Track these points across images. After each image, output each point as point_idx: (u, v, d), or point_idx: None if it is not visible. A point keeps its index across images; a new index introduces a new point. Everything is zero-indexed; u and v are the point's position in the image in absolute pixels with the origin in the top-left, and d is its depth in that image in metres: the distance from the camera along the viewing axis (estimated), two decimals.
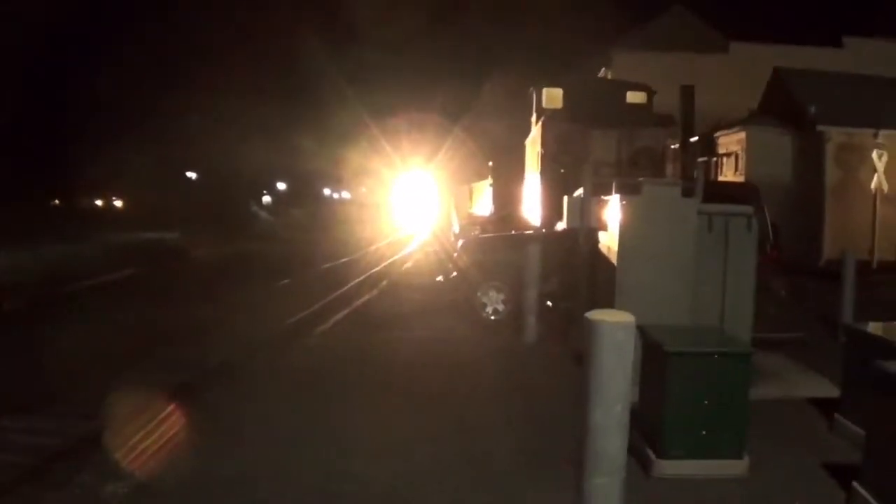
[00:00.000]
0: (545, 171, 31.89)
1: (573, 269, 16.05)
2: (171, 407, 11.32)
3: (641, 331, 7.96)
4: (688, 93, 31.70)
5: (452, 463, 9.06)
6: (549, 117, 33.49)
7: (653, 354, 8.92)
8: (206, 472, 8.72)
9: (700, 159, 28.91)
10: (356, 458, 9.19)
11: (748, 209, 12.27)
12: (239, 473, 8.67)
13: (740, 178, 35.71)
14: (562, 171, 28.80)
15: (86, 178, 64.72)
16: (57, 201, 75.09)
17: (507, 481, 8.50)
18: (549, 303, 17.53)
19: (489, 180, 55.70)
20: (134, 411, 11.27)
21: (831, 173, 34.65)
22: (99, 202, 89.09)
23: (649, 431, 8.78)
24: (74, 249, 39.16)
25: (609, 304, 10.90)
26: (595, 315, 6.07)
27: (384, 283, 28.25)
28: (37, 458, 10.28)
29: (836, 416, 10.24)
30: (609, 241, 12.85)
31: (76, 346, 15.92)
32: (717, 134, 40.60)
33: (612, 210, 12.56)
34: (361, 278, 29.52)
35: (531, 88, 39.07)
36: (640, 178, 13.44)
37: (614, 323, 5.95)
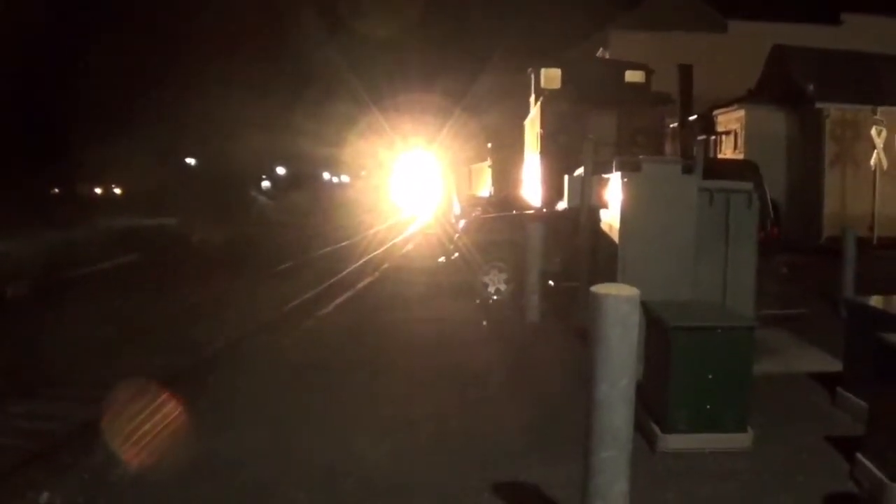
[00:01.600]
0: (545, 151, 31.93)
1: (575, 248, 16.06)
2: (173, 390, 11.36)
3: (644, 307, 7.98)
4: (686, 72, 31.74)
5: (458, 440, 9.09)
6: (547, 97, 33.52)
7: (656, 330, 8.95)
8: (210, 453, 8.72)
9: (699, 137, 28.89)
10: (360, 437, 9.20)
11: (748, 185, 12.28)
12: (242, 454, 8.67)
13: (739, 156, 35.69)
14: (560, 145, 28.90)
15: (85, 165, 64.70)
16: (56, 189, 75.02)
17: (513, 457, 8.51)
18: (550, 282, 17.57)
19: (488, 161, 55.70)
20: (136, 395, 11.33)
21: (830, 150, 34.64)
22: (98, 189, 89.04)
23: (654, 407, 8.82)
24: (74, 236, 39.19)
25: (611, 281, 10.92)
26: (599, 289, 6.09)
27: (385, 265, 28.26)
28: (41, 442, 10.36)
29: (838, 389, 10.27)
30: (610, 219, 12.88)
31: (78, 332, 16.03)
32: (715, 112, 40.56)
33: (613, 188, 12.59)
34: (362, 261, 29.60)
35: (530, 69, 39.08)
36: (640, 156, 13.48)
37: (619, 296, 5.97)
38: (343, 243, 37.85)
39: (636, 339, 6.05)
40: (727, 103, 39.76)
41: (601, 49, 54.47)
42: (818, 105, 34.43)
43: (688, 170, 12.34)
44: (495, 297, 18.86)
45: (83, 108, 55.62)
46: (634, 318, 6.00)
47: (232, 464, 8.42)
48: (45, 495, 8.06)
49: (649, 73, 35.84)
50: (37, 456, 9.84)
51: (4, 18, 44.35)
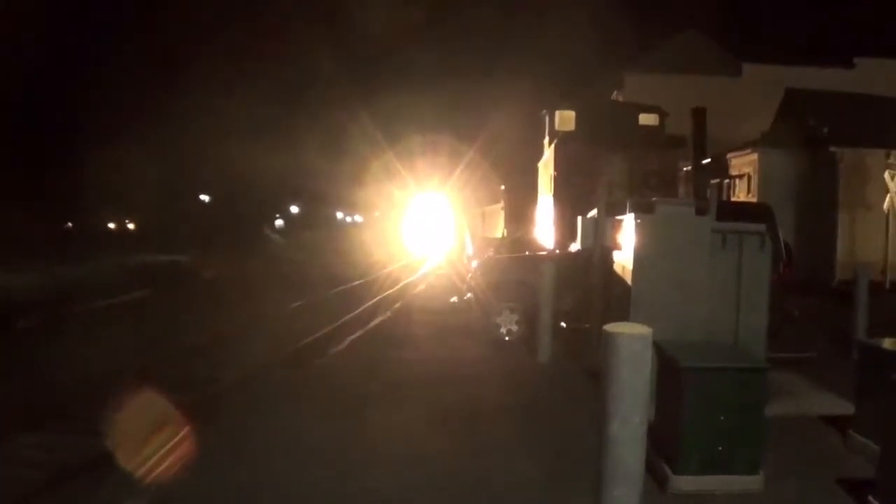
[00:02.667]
0: (558, 193, 31.99)
1: (587, 289, 16.08)
2: (186, 423, 11.36)
3: (657, 347, 7.99)
4: (700, 115, 31.77)
5: (469, 478, 9.09)
6: (561, 139, 33.63)
7: (668, 370, 8.96)
8: (223, 486, 8.76)
9: (713, 180, 28.94)
10: (371, 471, 9.22)
11: (761, 227, 12.28)
12: (255, 487, 8.71)
13: (753, 199, 35.71)
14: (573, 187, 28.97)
15: (98, 200, 64.94)
16: (69, 224, 75.27)
17: (525, 495, 8.53)
18: (563, 323, 17.57)
19: (501, 203, 55.73)
20: (150, 428, 11.33)
21: (843, 194, 34.65)
22: (112, 224, 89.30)
23: (665, 447, 8.81)
24: (88, 271, 39.26)
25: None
26: (612, 327, 6.13)
27: (398, 304, 28.26)
28: (52, 474, 10.36)
29: (850, 431, 10.26)
30: (623, 260, 12.89)
31: (90, 364, 16.03)
32: (729, 155, 40.64)
33: (627, 229, 12.61)
34: (375, 300, 29.55)
35: (544, 111, 39.21)
36: (654, 198, 13.50)
37: (632, 335, 6.01)
38: (356, 282, 37.83)
39: (648, 378, 6.08)
40: (741, 146, 39.84)
41: (615, 91, 54.64)
42: (831, 148, 34.48)
43: (701, 211, 12.35)
44: (507, 338, 18.84)
45: (97, 144, 55.82)
46: (647, 356, 6.03)
47: (242, 497, 8.44)
48: None
49: (663, 115, 35.93)
50: (47, 486, 9.84)
51: (11, 48, 44.62)
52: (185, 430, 10.98)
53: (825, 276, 33.47)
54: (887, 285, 31.75)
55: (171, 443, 10.65)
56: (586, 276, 16.00)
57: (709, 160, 36.78)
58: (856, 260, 31.32)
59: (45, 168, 57.13)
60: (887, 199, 32.49)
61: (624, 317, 11.41)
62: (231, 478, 9.03)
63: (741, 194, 38.92)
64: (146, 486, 8.95)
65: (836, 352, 16.75)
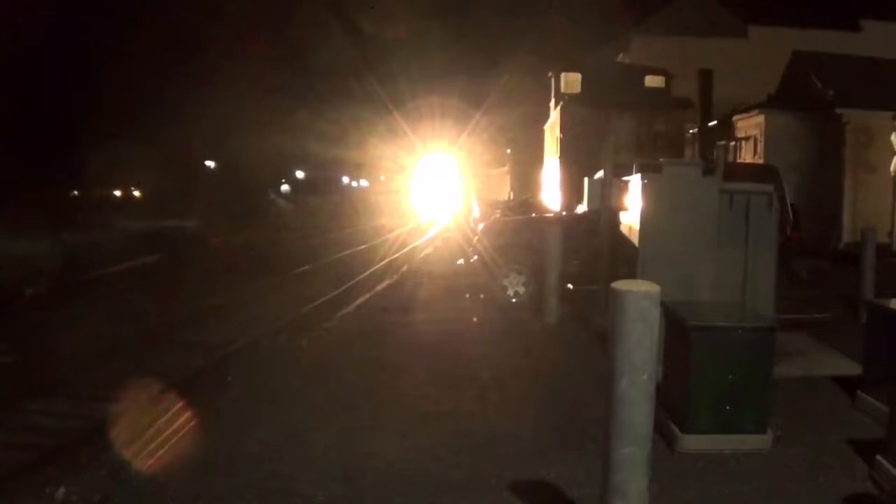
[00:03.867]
0: (564, 155, 31.99)
1: (594, 251, 16.08)
2: (190, 389, 11.39)
3: (664, 307, 7.96)
4: (706, 77, 31.77)
5: (477, 439, 9.08)
6: (567, 101, 33.62)
7: (676, 330, 8.94)
8: (228, 450, 8.73)
9: (719, 142, 28.91)
10: (379, 435, 9.21)
11: (769, 188, 12.25)
12: (261, 451, 8.69)
13: (759, 162, 35.63)
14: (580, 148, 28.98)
15: (104, 168, 64.83)
16: (76, 192, 75.12)
17: (533, 455, 8.52)
18: (569, 285, 17.56)
19: (507, 166, 55.72)
20: (153, 394, 11.37)
21: (850, 156, 34.57)
22: (117, 192, 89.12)
23: (673, 407, 8.81)
24: (94, 238, 39.20)
25: None
26: (620, 285, 6.10)
27: (404, 268, 28.26)
28: (59, 439, 10.39)
29: (859, 392, 10.24)
30: (630, 221, 12.88)
31: (95, 332, 16.08)
32: (735, 118, 40.52)
33: (633, 190, 12.59)
34: (382, 264, 29.61)
35: (550, 73, 39.22)
36: (661, 159, 13.47)
37: (639, 292, 5.98)
38: (362, 246, 37.88)
39: (657, 336, 6.06)
40: (747, 109, 39.72)
41: (621, 54, 54.45)
42: (838, 111, 34.33)
43: (708, 172, 12.33)
44: (514, 300, 18.83)
45: (101, 111, 55.64)
46: (655, 313, 6.01)
47: (249, 461, 8.43)
48: (61, 491, 8.08)
49: (669, 77, 35.93)
50: (54, 452, 9.87)
51: (16, 22, 44.47)
52: (188, 397, 11.01)
53: (833, 237, 33.43)
54: (894, 247, 31.69)
55: (175, 408, 10.67)
56: (593, 237, 16.00)
57: (715, 122, 36.75)
58: (863, 222, 31.26)
59: (49, 136, 56.99)
60: (894, 161, 32.41)
61: (631, 278, 11.38)
62: (235, 442, 9.02)
63: (747, 156, 38.80)
64: (150, 451, 8.96)
65: (845, 313, 16.72)
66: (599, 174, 16.57)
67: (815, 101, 35.75)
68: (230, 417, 10.13)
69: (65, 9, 54.46)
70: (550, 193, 35.80)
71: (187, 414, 10.29)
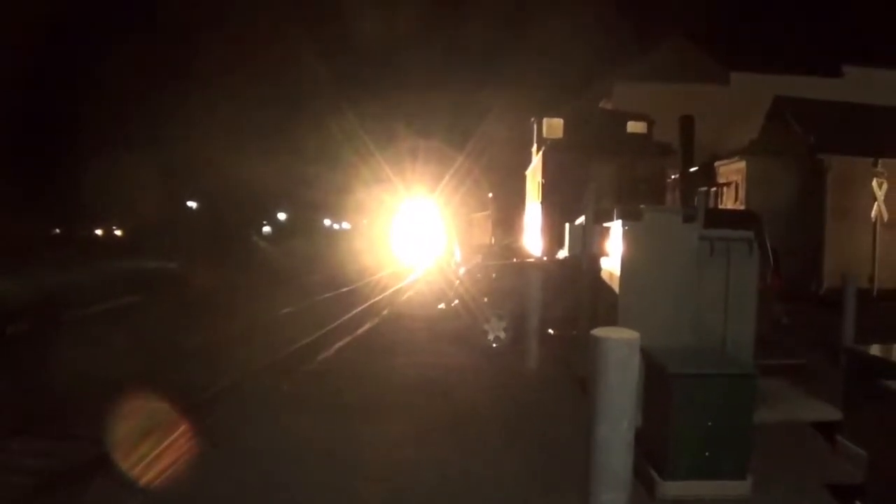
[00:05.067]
0: (546, 200, 32.04)
1: (575, 297, 16.10)
2: (170, 431, 11.36)
3: (644, 353, 7.98)
4: (688, 123, 31.82)
5: (457, 485, 9.09)
6: (549, 146, 33.69)
7: (656, 376, 8.97)
8: (211, 492, 8.75)
9: (701, 188, 28.99)
10: (359, 478, 9.22)
11: (749, 234, 12.30)
12: (241, 493, 8.72)
13: (741, 207, 35.76)
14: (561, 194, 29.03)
15: (86, 207, 64.78)
16: (58, 230, 75.09)
17: (513, 500, 8.53)
18: (550, 330, 17.58)
19: (490, 210, 55.75)
20: (136, 434, 11.33)
21: (831, 202, 34.71)
22: (99, 231, 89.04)
23: (653, 453, 8.83)
24: (75, 277, 39.09)
25: None
26: (600, 332, 6.15)
27: (385, 311, 28.28)
28: (41, 479, 10.36)
29: (838, 437, 10.28)
30: (611, 267, 12.90)
31: (77, 371, 15.99)
32: (717, 163, 40.72)
33: (614, 236, 12.62)
34: (363, 307, 29.57)
35: (532, 118, 39.25)
36: (642, 205, 13.52)
37: (619, 339, 6.03)
38: (344, 289, 37.85)
39: (636, 382, 6.09)
40: (729, 154, 39.91)
41: (604, 100, 54.70)
42: (819, 156, 34.50)
43: (689, 218, 12.36)
44: (495, 345, 18.86)
45: (83, 150, 55.72)
46: (634, 361, 6.05)
47: (232, 501, 8.44)
48: None
49: (651, 123, 36.01)
50: (37, 491, 9.85)
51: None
52: (171, 436, 10.99)
53: (814, 283, 33.53)
54: (875, 293, 31.77)
55: (158, 449, 10.65)
56: (574, 283, 16.02)
57: (696, 168, 36.86)
58: (843, 268, 31.36)
59: (32, 174, 57.01)
60: (875, 206, 32.54)
61: (611, 324, 11.37)
62: (217, 484, 9.02)
63: (729, 202, 39.00)
64: (135, 491, 8.94)
65: (825, 359, 16.75)
66: (581, 220, 16.63)
67: (796, 146, 35.91)
68: (208, 460, 10.11)
69: (51, 45, 54.53)
70: (532, 238, 35.84)
71: (165, 456, 10.28)
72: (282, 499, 8.66)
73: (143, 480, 9.32)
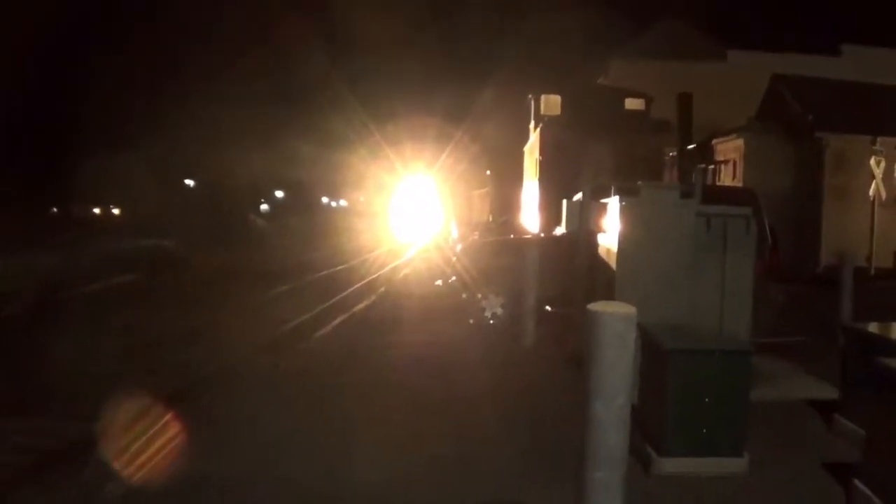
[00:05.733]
0: (543, 177, 32.02)
1: (572, 274, 16.04)
2: (167, 408, 11.31)
3: (641, 329, 7.93)
4: (685, 100, 31.71)
5: (452, 461, 9.05)
6: (547, 124, 33.69)
7: (652, 353, 8.92)
8: (203, 471, 8.69)
9: (698, 165, 28.90)
10: (353, 458, 9.16)
11: (746, 210, 12.24)
12: (235, 473, 8.66)
13: (738, 185, 35.70)
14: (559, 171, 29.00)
15: (83, 186, 64.65)
16: (55, 209, 74.97)
17: (507, 478, 8.50)
18: (547, 307, 17.52)
19: (487, 187, 55.71)
20: (131, 413, 11.27)
21: (829, 180, 34.65)
22: (97, 210, 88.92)
23: (649, 430, 8.78)
24: (72, 256, 39.03)
25: None
26: (596, 306, 6.08)
27: (382, 289, 28.27)
28: (33, 458, 10.30)
29: (835, 415, 10.24)
30: (608, 243, 12.86)
31: (72, 351, 15.95)
32: (714, 141, 40.61)
33: (611, 213, 12.57)
34: (360, 284, 29.57)
35: (530, 96, 39.28)
36: (639, 182, 13.46)
37: (616, 314, 5.96)
38: (341, 266, 37.85)
39: (632, 358, 6.02)
40: (726, 132, 39.81)
41: (601, 77, 54.58)
42: (817, 134, 34.44)
43: (686, 195, 12.30)
44: (492, 321, 18.81)
45: (80, 129, 55.61)
46: (631, 336, 5.98)
47: (223, 483, 8.39)
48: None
49: (649, 101, 36.02)
50: (29, 472, 9.79)
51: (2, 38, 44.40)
52: (166, 416, 10.93)
53: (811, 261, 33.49)
54: (872, 271, 31.75)
55: (154, 427, 10.60)
56: (571, 259, 15.96)
57: (694, 146, 36.79)
58: (841, 246, 31.30)
59: (28, 153, 56.92)
60: (873, 185, 32.56)
61: (608, 300, 11.35)
62: (210, 464, 8.97)
63: (727, 180, 38.89)
64: (125, 470, 8.88)
65: (822, 337, 16.71)
66: (578, 196, 16.56)
67: (794, 124, 35.87)
68: (206, 438, 10.06)
69: (50, 29, 54.32)
70: (529, 215, 35.83)
71: (163, 434, 10.23)
72: (273, 485, 8.61)
73: (138, 459, 9.27)
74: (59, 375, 14.23)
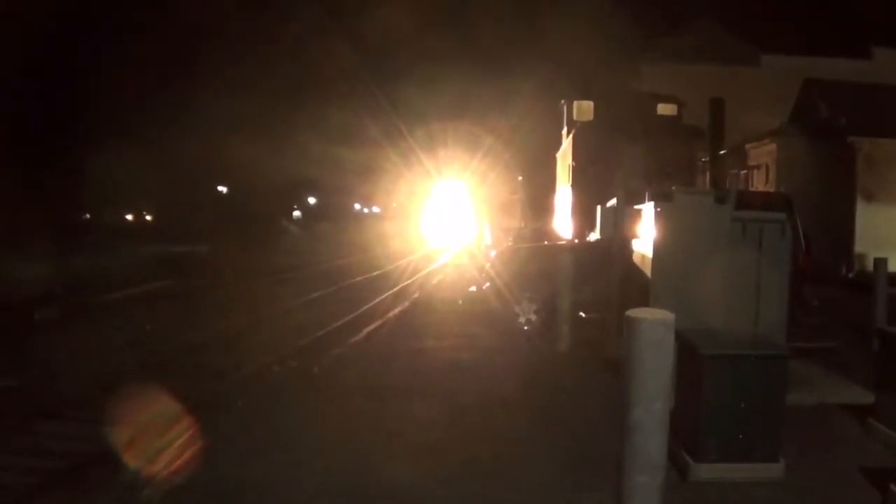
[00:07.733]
0: (576, 183, 32.00)
1: (606, 279, 16.07)
2: (201, 414, 11.37)
3: (677, 334, 7.98)
4: (718, 105, 31.69)
5: (488, 466, 9.10)
6: (580, 129, 33.62)
7: (688, 357, 8.94)
8: (240, 475, 8.77)
9: (732, 170, 28.89)
10: (390, 462, 9.22)
11: (781, 216, 12.26)
12: (272, 477, 8.73)
13: (771, 190, 35.62)
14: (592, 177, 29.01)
15: (116, 192, 64.95)
16: (87, 215, 75.19)
17: (544, 484, 8.53)
18: (581, 313, 17.55)
19: (520, 193, 55.71)
20: (166, 418, 11.35)
21: (862, 184, 34.50)
22: (129, 216, 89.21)
23: (685, 435, 8.80)
24: (105, 261, 39.14)
25: None
26: (635, 313, 6.14)
27: (416, 295, 28.26)
28: (70, 462, 10.40)
29: (870, 420, 10.25)
30: (642, 249, 12.90)
31: (105, 356, 16.07)
32: (747, 146, 40.53)
33: (646, 218, 12.61)
34: (393, 290, 29.60)
35: (562, 101, 39.26)
36: (673, 187, 13.49)
37: (654, 320, 6.01)
38: (374, 273, 37.88)
39: (671, 364, 6.08)
40: (759, 137, 39.73)
41: (634, 81, 54.50)
42: (849, 138, 34.28)
43: (720, 200, 12.32)
44: (526, 327, 18.85)
45: (116, 135, 55.83)
46: (670, 341, 6.03)
47: (259, 487, 8.46)
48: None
49: (681, 105, 35.92)
50: (63, 476, 9.88)
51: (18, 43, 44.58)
52: (200, 421, 11.00)
53: (844, 266, 33.36)
54: None
55: (189, 431, 10.67)
56: (605, 265, 15.99)
57: (726, 151, 36.73)
58: (874, 250, 31.16)
59: (61, 159, 57.10)
60: None
61: (643, 306, 11.38)
62: (247, 467, 9.05)
63: (759, 185, 38.83)
64: (159, 475, 8.96)
65: (856, 341, 16.68)
66: (612, 202, 16.59)
67: (826, 128, 35.73)
68: (239, 442, 10.14)
69: (71, 26, 54.56)
70: (563, 221, 35.83)
71: (198, 438, 10.30)
72: (310, 488, 8.66)
73: (172, 466, 9.34)
74: (94, 379, 14.35)
